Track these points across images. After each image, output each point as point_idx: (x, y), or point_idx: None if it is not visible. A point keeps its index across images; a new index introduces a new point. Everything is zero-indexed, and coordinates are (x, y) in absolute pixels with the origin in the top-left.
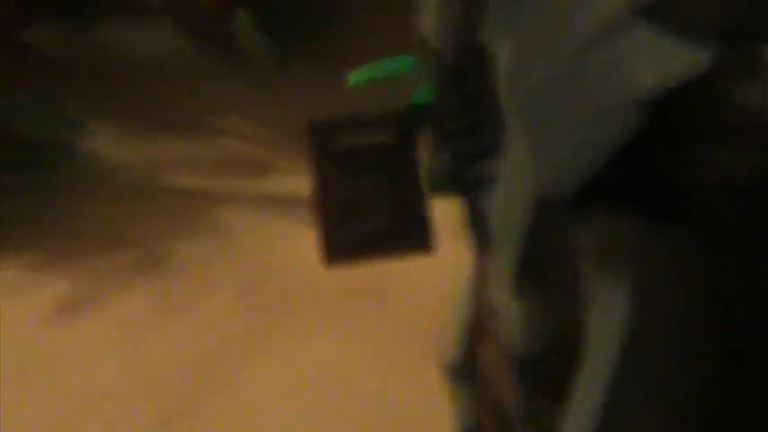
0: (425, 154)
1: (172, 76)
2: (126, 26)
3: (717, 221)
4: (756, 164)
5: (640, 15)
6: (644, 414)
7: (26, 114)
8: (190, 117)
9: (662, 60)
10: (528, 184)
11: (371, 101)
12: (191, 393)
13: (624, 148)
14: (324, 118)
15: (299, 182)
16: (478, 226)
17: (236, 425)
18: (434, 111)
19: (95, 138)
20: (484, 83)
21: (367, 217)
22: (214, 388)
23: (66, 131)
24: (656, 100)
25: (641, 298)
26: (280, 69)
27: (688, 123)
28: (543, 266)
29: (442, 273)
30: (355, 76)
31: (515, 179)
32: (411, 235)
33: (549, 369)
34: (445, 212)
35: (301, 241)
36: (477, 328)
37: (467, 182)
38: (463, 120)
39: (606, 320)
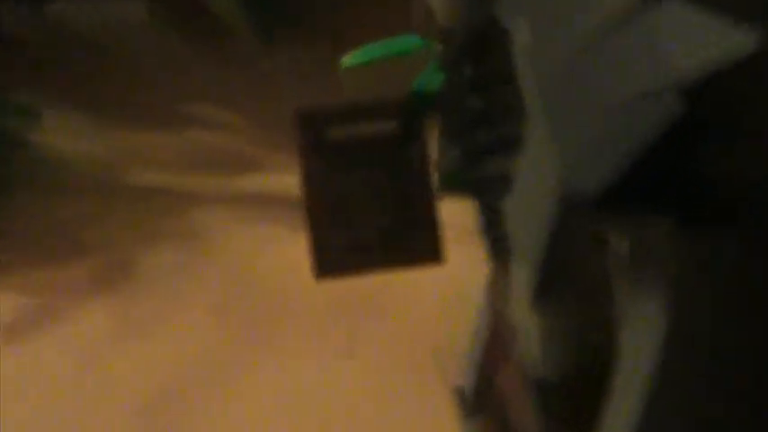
0: (432, 148)
1: (140, 58)
2: (87, 0)
3: (761, 223)
4: None
5: None
6: None
7: None
8: (160, 104)
9: (700, 41)
10: (550, 181)
11: (369, 86)
12: (160, 424)
13: (659, 140)
14: (315, 106)
15: (286, 179)
16: (494, 231)
17: None
18: (443, 98)
19: (50, 129)
20: (499, 66)
21: (365, 221)
22: (188, 418)
23: (16, 122)
24: (693, 85)
25: (679, 311)
26: (265, 50)
27: (728, 112)
28: (567, 278)
29: (450, 285)
30: (351, 59)
31: (535, 176)
32: (416, 242)
33: (572, 393)
34: (455, 215)
35: (289, 248)
36: (494, 349)
37: (480, 180)
38: (476, 108)
39: (639, 337)
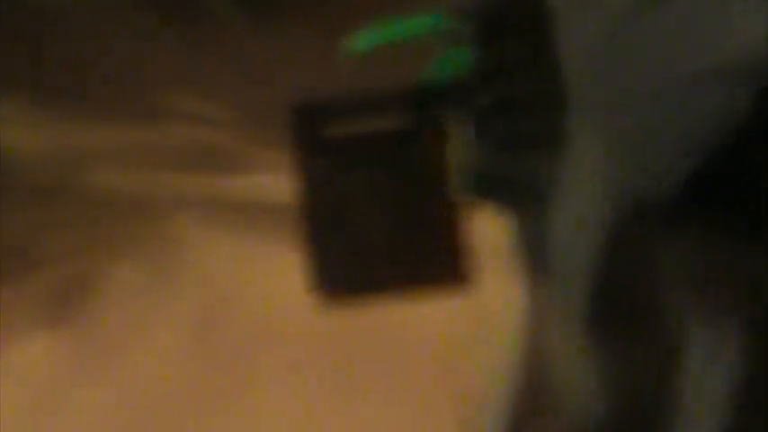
0: (453, 145)
1: (107, 39)
2: None
3: None
4: None
5: None
6: None
7: None
8: (131, 93)
9: None
10: (603, 185)
11: (375, 74)
12: None
13: (740, 130)
14: (313, 98)
15: (275, 183)
16: (532, 247)
17: None
18: (467, 84)
19: (1, 122)
20: (539, 43)
21: (372, 233)
22: None
23: None
24: None
25: (759, 343)
26: (253, 32)
27: None
28: (624, 305)
29: (475, 312)
30: (357, 42)
31: (584, 179)
32: (435, 260)
33: None
34: (482, 229)
35: (278, 264)
36: (527, 396)
37: (514, 184)
38: (509, 95)
39: (711, 373)
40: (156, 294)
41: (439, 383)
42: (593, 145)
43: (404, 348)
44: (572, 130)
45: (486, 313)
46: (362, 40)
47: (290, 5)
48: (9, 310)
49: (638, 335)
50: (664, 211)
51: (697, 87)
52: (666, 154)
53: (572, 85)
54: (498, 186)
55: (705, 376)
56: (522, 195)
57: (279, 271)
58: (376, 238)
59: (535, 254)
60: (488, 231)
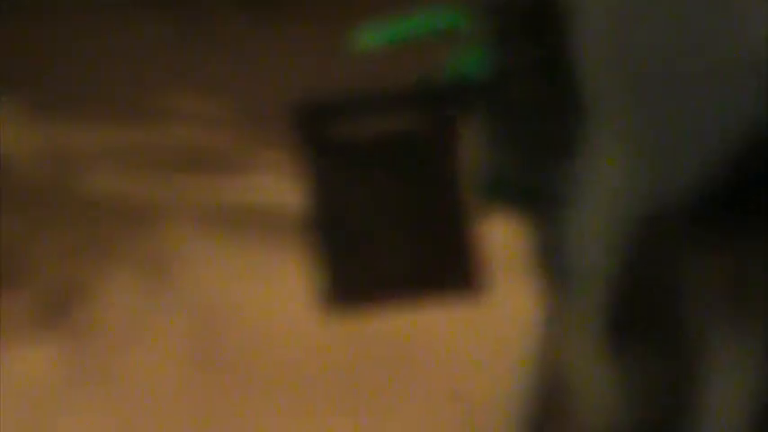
0: (467, 148)
1: (100, 36)
2: None
3: None
4: None
5: None
6: None
7: None
8: (129, 95)
9: None
10: (626, 191)
11: (384, 71)
12: None
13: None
14: (320, 97)
15: (278, 186)
16: (549, 252)
17: None
18: (486, 84)
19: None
20: (555, 44)
21: (383, 240)
22: None
23: None
24: None
25: None
26: (254, 27)
27: None
28: (644, 312)
29: (493, 325)
30: (367, 38)
31: (606, 185)
32: (447, 268)
33: None
34: (499, 236)
35: (280, 271)
36: (548, 408)
37: (530, 188)
38: (524, 97)
39: (733, 383)
40: (154, 299)
41: (445, 392)
42: (613, 147)
43: (409, 357)
44: (590, 133)
45: (503, 323)
46: (369, 37)
47: (290, 4)
48: (7, 315)
49: (658, 343)
50: (687, 216)
51: (720, 87)
52: (692, 156)
53: (591, 87)
54: (514, 191)
55: (725, 387)
56: (539, 199)
57: (279, 276)
58: (384, 244)
59: (552, 259)
60: (501, 238)
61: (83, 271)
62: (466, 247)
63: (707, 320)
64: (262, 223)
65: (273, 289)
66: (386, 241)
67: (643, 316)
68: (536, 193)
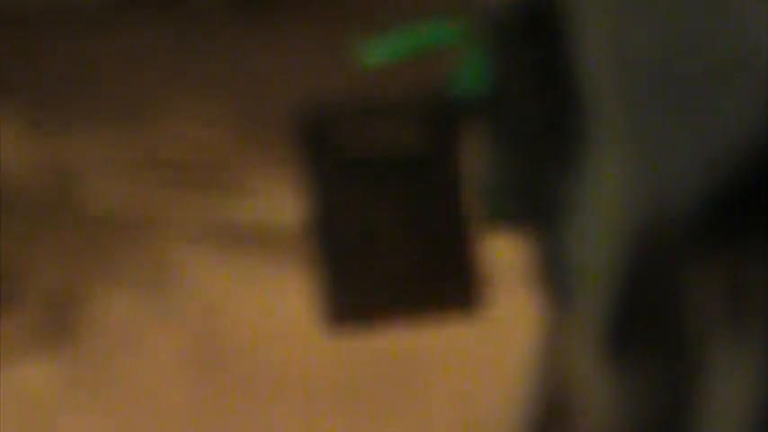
0: (475, 161)
1: (95, 42)
2: None
3: None
4: None
5: None
6: None
7: None
8: (119, 101)
9: None
10: (627, 207)
11: (384, 74)
12: None
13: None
14: (320, 107)
15: (279, 198)
16: (552, 264)
17: None
18: (488, 95)
19: None
20: (560, 51)
21: (386, 255)
22: None
23: None
24: None
25: None
26: (252, 33)
27: None
28: (646, 319)
29: (496, 340)
30: (371, 55)
31: (608, 191)
32: (449, 281)
33: None
34: (501, 249)
35: (284, 291)
36: (552, 412)
37: (534, 199)
38: (532, 108)
39: (733, 385)
40: (153, 310)
41: (447, 405)
42: (614, 153)
43: (411, 370)
44: (592, 139)
45: (504, 337)
46: (372, 53)
47: (289, 6)
48: (8, 325)
49: (659, 347)
50: (688, 220)
51: (720, 89)
52: (692, 159)
53: (592, 93)
54: (516, 202)
55: (725, 389)
56: (543, 210)
57: (279, 286)
58: (385, 258)
59: (554, 270)
60: (504, 250)
61: (82, 282)
62: (468, 260)
63: (707, 323)
64: (262, 234)
65: (273, 299)
66: (387, 254)
67: (644, 321)
68: (538, 205)
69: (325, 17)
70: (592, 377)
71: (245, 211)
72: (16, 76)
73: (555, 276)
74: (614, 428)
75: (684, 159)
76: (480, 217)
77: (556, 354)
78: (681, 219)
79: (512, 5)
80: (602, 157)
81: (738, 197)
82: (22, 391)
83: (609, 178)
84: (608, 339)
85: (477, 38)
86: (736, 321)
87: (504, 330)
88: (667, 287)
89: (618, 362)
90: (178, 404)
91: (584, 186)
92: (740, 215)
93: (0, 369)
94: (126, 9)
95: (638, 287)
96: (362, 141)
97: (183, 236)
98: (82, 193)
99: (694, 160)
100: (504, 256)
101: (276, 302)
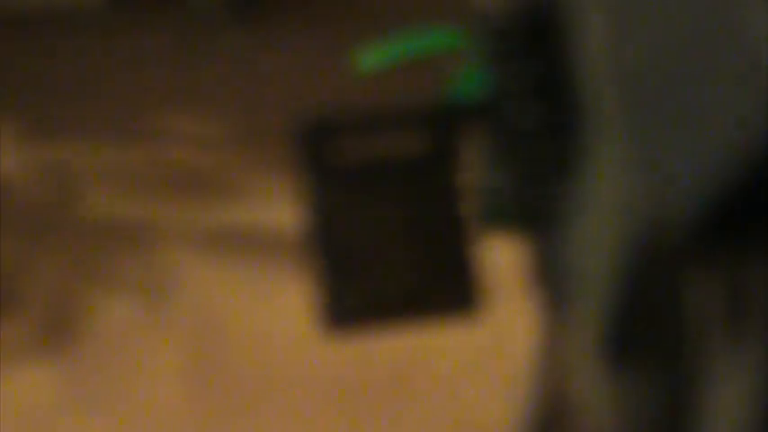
0: (473, 168)
1: (92, 54)
2: None
3: None
4: None
5: None
6: None
7: None
8: (117, 112)
9: None
10: (626, 211)
11: (385, 86)
12: None
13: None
14: (320, 116)
15: (278, 207)
16: (554, 271)
17: None
18: (487, 103)
19: None
20: (560, 58)
21: (385, 258)
22: None
23: None
24: None
25: None
26: (251, 42)
27: None
28: (646, 329)
29: (495, 342)
30: (368, 60)
31: (607, 202)
32: (447, 287)
33: None
34: (499, 255)
35: (283, 296)
36: (551, 419)
37: (536, 209)
38: (531, 115)
39: (732, 390)
40: (153, 318)
41: (447, 409)
42: (615, 160)
43: (409, 376)
44: (593, 146)
45: (504, 342)
46: (370, 59)
47: (289, 17)
48: (7, 335)
49: (660, 352)
50: (690, 226)
51: (721, 97)
52: (693, 166)
53: (592, 100)
54: (514, 209)
55: (726, 395)
56: (542, 213)
57: (279, 296)
58: (384, 264)
59: (554, 273)
60: (502, 256)
61: (82, 291)
62: (466, 266)
63: (707, 324)
64: (261, 242)
65: (273, 309)
66: (386, 260)
67: (644, 322)
68: (536, 213)
69: (325, 19)
70: (591, 379)
71: (244, 214)
72: (15, 77)
73: (554, 279)
74: (614, 430)
75: (684, 161)
76: (479, 220)
77: (555, 356)
78: (681, 220)
79: (512, 12)
80: (601, 159)
81: (738, 198)
82: (22, 396)
83: (608, 181)
84: (608, 341)
85: (477, 43)
86: (736, 322)
87: (504, 333)
88: (667, 288)
89: (617, 363)
90: (177, 408)
91: (583, 189)
92: (740, 216)
93: (3, 375)
94: (125, 10)
95: (638, 289)
96: (361, 145)
97: (183, 240)
98: (82, 203)
99: (694, 162)
100: (502, 258)
101: (276, 307)
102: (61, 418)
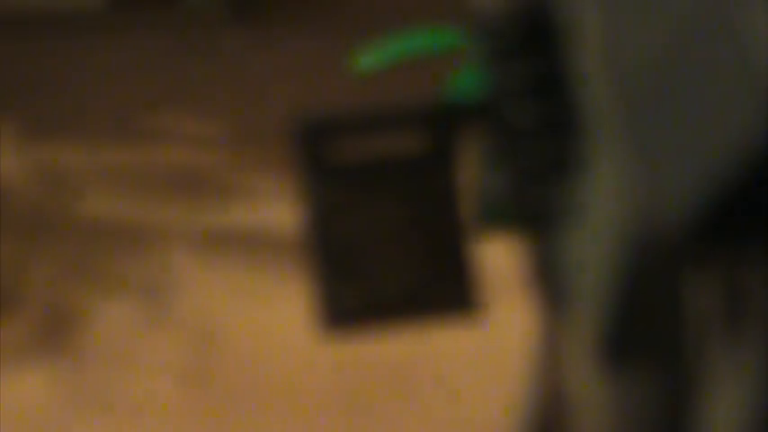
0: (472, 169)
1: (91, 53)
2: None
3: None
4: None
5: None
6: None
7: None
8: (115, 112)
9: None
10: (624, 210)
11: (383, 88)
12: None
13: (763, 158)
14: (319, 117)
15: (276, 208)
16: (550, 275)
17: None
18: (485, 104)
19: None
20: (558, 61)
21: (384, 259)
22: None
23: None
24: None
25: None
26: (250, 43)
27: None
28: (645, 329)
29: (494, 344)
30: (366, 61)
31: (605, 204)
32: (446, 287)
33: None
34: (498, 256)
35: (281, 297)
36: (549, 420)
37: (534, 210)
38: (529, 117)
39: (730, 395)
40: (151, 320)
41: (446, 411)
42: (614, 161)
43: (408, 379)
44: (588, 151)
45: (503, 342)
46: (367, 59)
47: (286, 19)
48: (3, 337)
49: (659, 353)
50: (689, 227)
51: (719, 100)
52: (691, 171)
53: (590, 104)
54: (513, 210)
55: (725, 396)
56: (540, 217)
57: (277, 297)
58: (382, 264)
59: (552, 274)
60: (501, 257)
61: (78, 293)
62: (466, 266)
63: (706, 325)
64: (260, 243)
65: (271, 310)
66: (385, 260)
67: (643, 323)
68: (535, 213)
69: (324, 19)
70: (591, 379)
71: (244, 214)
72: (16, 77)
73: (553, 279)
74: (614, 430)
75: (683, 161)
76: (479, 220)
77: (555, 356)
78: (680, 220)
79: (511, 12)
80: (600, 160)
81: (737, 198)
82: (21, 396)
83: (608, 181)
84: (607, 341)
85: (476, 43)
86: (735, 322)
87: (503, 334)
88: (666, 289)
89: (617, 363)
90: (176, 408)
91: (582, 189)
92: (739, 216)
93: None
94: (126, 11)
95: (638, 288)
96: (361, 145)
97: (182, 240)
98: (79, 205)
99: (693, 161)
100: (502, 258)
101: (275, 307)
102: (60, 417)
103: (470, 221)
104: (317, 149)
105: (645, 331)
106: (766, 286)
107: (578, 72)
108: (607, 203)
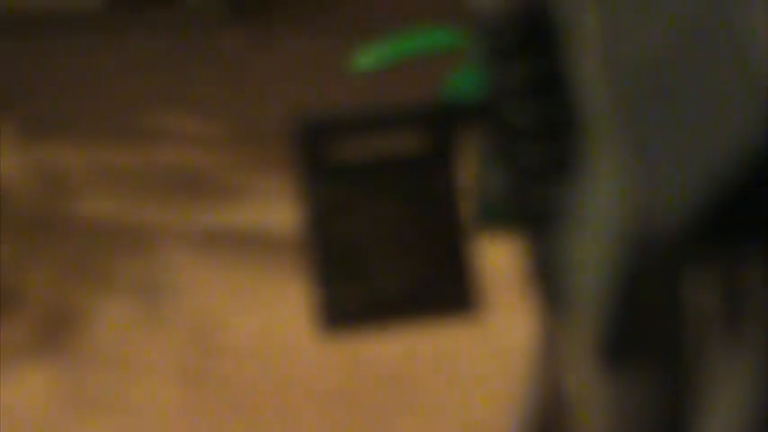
0: (472, 169)
1: (91, 54)
2: None
3: None
4: None
5: None
6: None
7: None
8: (115, 112)
9: None
10: (624, 210)
11: (382, 89)
12: None
13: (764, 159)
14: (318, 116)
15: (275, 208)
16: (549, 275)
17: None
18: (484, 104)
19: None
20: (557, 62)
21: (383, 258)
22: None
23: None
24: None
25: None
26: (250, 43)
27: None
28: (645, 329)
29: (493, 344)
30: (365, 59)
31: (604, 204)
32: (445, 287)
33: None
34: (498, 256)
35: (280, 297)
36: (549, 420)
37: (533, 210)
38: (532, 117)
39: (729, 391)
40: (150, 320)
41: (445, 411)
42: (613, 162)
43: (407, 379)
44: (587, 152)
45: (503, 342)
46: (366, 58)
47: (286, 20)
48: (3, 338)
49: (658, 353)
50: (688, 228)
51: (718, 100)
52: (689, 172)
53: (588, 105)
54: (512, 210)
55: (725, 395)
56: (539, 217)
57: (276, 297)
58: (382, 264)
59: (552, 274)
60: (500, 257)
61: (78, 293)
62: (465, 265)
63: (706, 325)
64: (260, 243)
65: (271, 310)
66: (385, 260)
67: (642, 324)
68: (534, 213)
69: (324, 19)
70: (591, 379)
71: (244, 214)
72: (16, 77)
73: (553, 279)
74: (614, 430)
75: (682, 162)
76: (478, 220)
77: (554, 356)
78: (679, 221)
79: (510, 12)
80: (600, 160)
81: (737, 198)
82: (20, 396)
83: (607, 181)
84: (607, 341)
85: (476, 43)
86: (734, 321)
87: (503, 334)
88: (666, 289)
89: (617, 363)
90: (175, 408)
91: (582, 189)
92: (739, 216)
93: None
94: (125, 11)
95: (637, 289)
96: (361, 145)
97: (182, 240)
98: (77, 205)
99: (692, 162)
100: (502, 258)
101: (275, 307)
102: (60, 418)
103: (470, 221)
104: (316, 149)
105: (645, 331)
106: (766, 286)
107: (578, 72)
108: (607, 203)
